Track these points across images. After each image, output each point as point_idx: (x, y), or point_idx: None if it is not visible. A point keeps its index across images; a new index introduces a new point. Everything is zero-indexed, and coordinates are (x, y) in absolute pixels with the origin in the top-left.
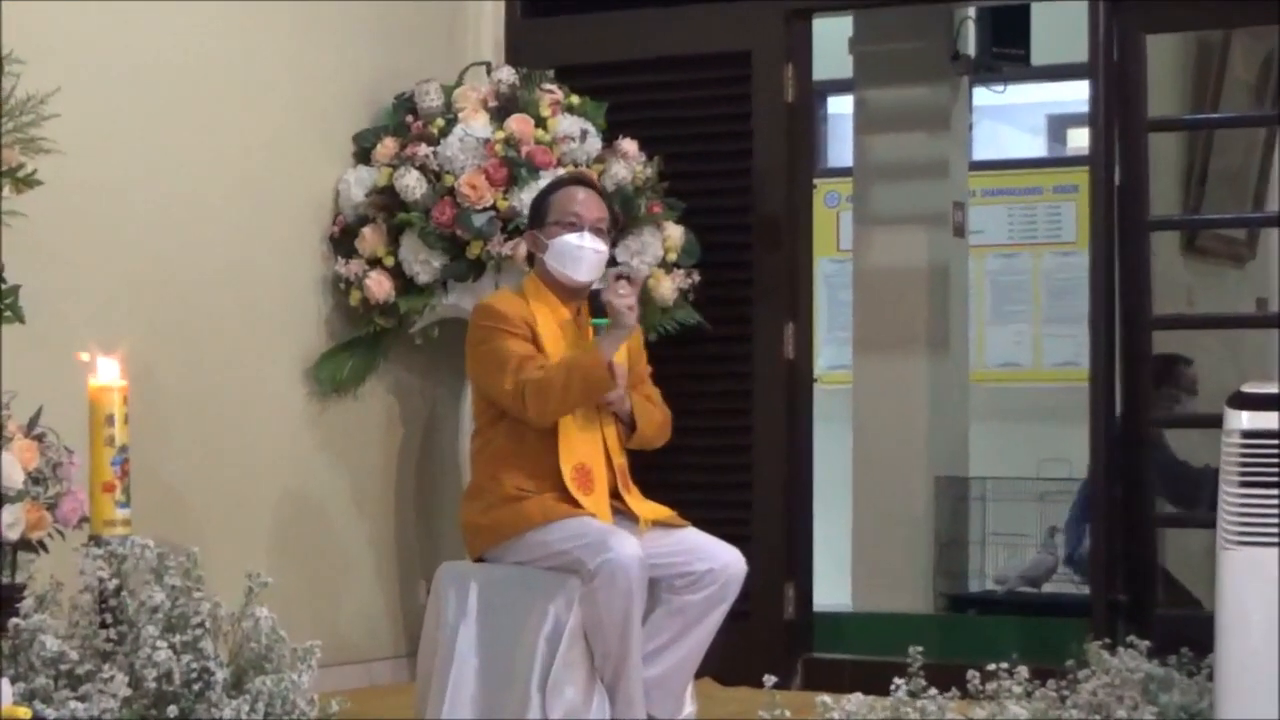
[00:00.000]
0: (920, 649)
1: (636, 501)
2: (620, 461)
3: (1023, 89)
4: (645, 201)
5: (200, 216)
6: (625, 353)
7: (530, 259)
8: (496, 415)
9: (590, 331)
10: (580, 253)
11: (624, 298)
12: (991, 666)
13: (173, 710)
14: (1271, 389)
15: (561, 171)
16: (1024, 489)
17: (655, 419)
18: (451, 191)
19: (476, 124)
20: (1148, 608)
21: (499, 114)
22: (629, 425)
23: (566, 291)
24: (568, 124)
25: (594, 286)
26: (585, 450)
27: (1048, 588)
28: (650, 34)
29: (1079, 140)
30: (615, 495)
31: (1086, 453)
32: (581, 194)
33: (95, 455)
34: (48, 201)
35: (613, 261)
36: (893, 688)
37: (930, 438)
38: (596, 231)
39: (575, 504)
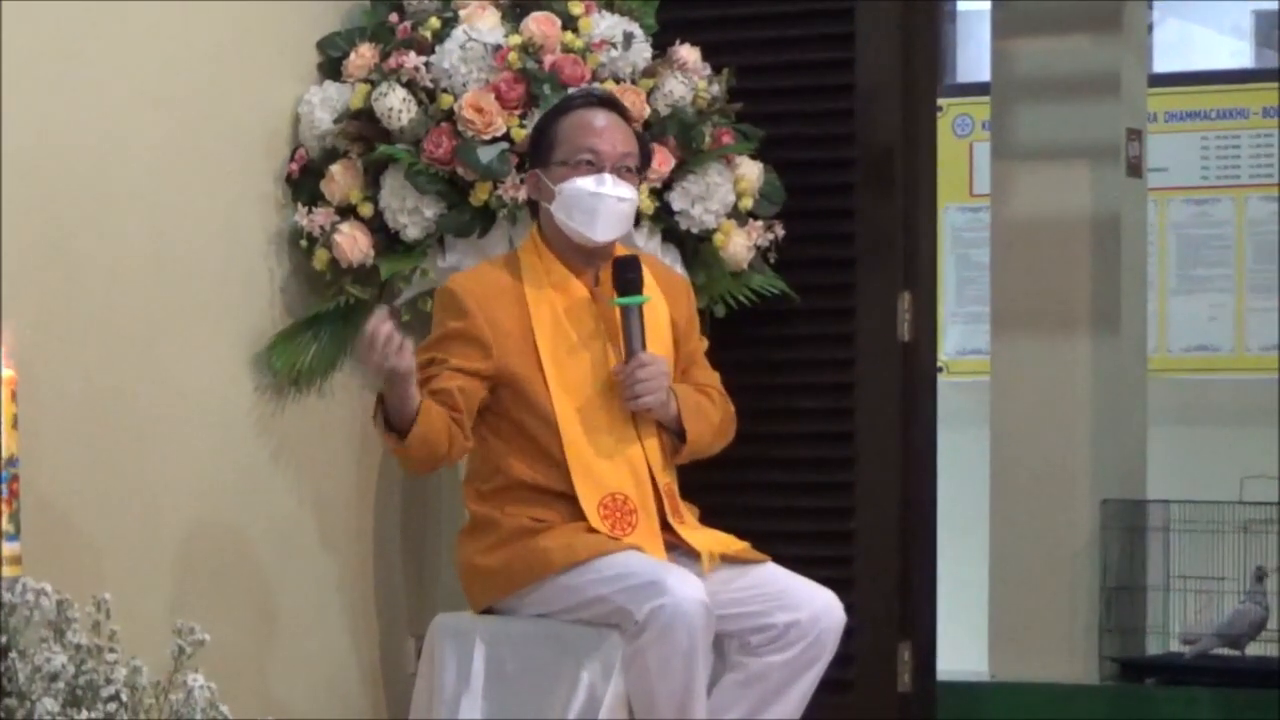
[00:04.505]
0: None
1: (693, 531)
2: (667, 482)
3: None
4: (711, 129)
5: (110, 156)
6: (669, 329)
7: (533, 208)
8: (486, 439)
9: (616, 314)
10: (598, 203)
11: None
12: None
13: None
14: None
15: (599, 89)
16: (1221, 517)
17: (712, 420)
18: (450, 116)
19: (484, 26)
20: None
21: (514, 12)
22: (678, 434)
23: (578, 254)
24: (606, 25)
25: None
26: (619, 474)
27: (1253, 649)
28: None
29: None
30: (665, 526)
31: None
32: (601, 119)
33: None
34: None
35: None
36: None
37: (1095, 448)
38: (621, 173)
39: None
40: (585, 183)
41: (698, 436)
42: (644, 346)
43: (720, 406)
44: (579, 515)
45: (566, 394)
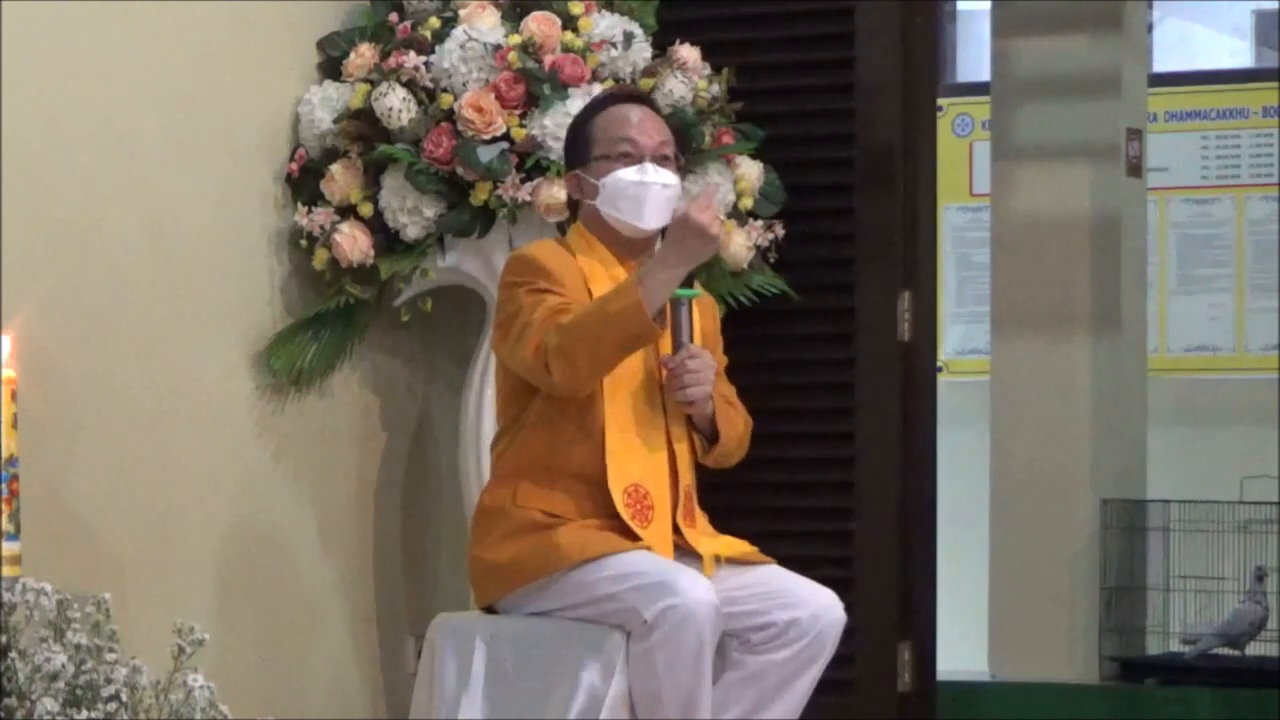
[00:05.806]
0: None
1: (700, 535)
2: (688, 483)
3: None
4: (711, 129)
5: (114, 155)
6: (699, 333)
7: (572, 209)
8: (521, 411)
9: (667, 305)
10: (643, 191)
11: (706, 211)
12: None
13: None
14: None
15: (598, 89)
16: (1222, 517)
17: (738, 427)
18: (450, 116)
19: (484, 25)
20: None
21: (514, 12)
22: (709, 435)
23: (625, 246)
24: (606, 25)
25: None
26: (644, 468)
27: (1253, 649)
28: None
29: None
30: (674, 527)
31: None
32: (635, 114)
33: None
34: None
35: None
36: None
37: (1095, 447)
38: (660, 161)
39: (624, 533)
40: (628, 173)
41: (727, 439)
42: (692, 340)
43: (742, 415)
44: (592, 505)
45: (613, 378)
